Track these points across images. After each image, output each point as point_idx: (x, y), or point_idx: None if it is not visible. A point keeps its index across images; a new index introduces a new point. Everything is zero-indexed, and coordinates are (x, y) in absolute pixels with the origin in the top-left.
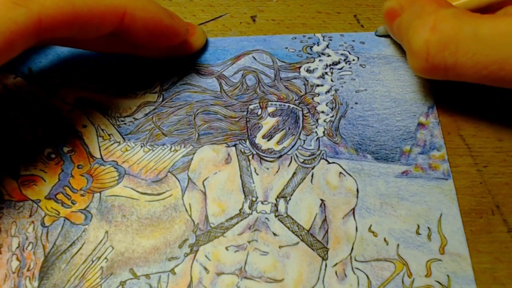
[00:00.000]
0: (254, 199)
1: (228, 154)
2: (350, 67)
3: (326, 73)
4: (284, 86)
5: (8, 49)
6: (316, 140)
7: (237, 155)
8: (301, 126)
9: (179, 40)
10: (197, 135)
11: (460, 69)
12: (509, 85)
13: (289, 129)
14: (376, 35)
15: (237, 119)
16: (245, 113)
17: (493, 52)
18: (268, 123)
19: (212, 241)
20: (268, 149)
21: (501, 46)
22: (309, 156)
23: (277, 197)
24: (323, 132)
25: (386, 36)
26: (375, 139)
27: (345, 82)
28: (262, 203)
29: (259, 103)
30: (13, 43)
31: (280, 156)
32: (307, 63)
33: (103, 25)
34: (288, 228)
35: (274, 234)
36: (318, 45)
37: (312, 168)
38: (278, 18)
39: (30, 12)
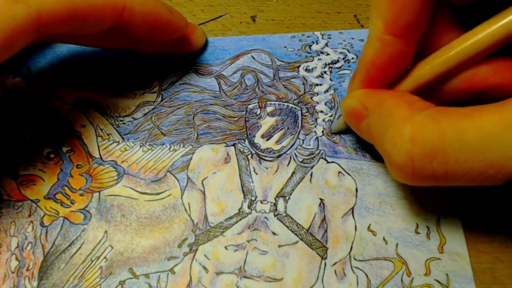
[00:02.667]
0: (253, 198)
1: (227, 154)
2: (349, 66)
3: (325, 72)
4: (283, 85)
5: (8, 46)
6: (315, 139)
7: (236, 155)
8: (300, 125)
9: (178, 34)
10: (196, 134)
11: (452, 178)
12: (504, 183)
13: (288, 128)
14: (332, 133)
15: (236, 119)
16: (244, 112)
17: (486, 157)
18: (267, 122)
19: (211, 240)
20: (267, 148)
21: (493, 150)
22: (308, 155)
23: (276, 196)
24: (322, 131)
25: (344, 132)
26: None
27: (344, 81)
28: (261, 202)
29: (258, 102)
30: (13, 40)
31: (279, 156)
32: (306, 62)
33: (102, 20)
34: (287, 228)
35: (273, 234)
36: (317, 43)
37: (311, 168)
38: (278, 18)
39: (30, 8)
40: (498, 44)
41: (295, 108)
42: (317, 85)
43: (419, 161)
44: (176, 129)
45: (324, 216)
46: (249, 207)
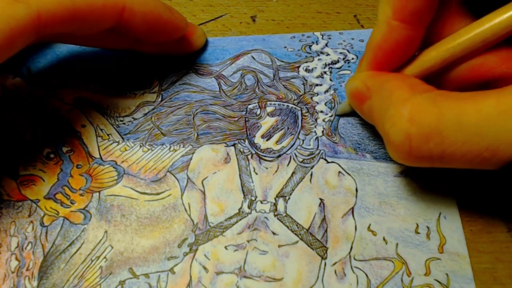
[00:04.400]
0: (253, 198)
1: (227, 154)
2: (349, 66)
3: (325, 72)
4: (283, 85)
5: (8, 46)
6: (315, 139)
7: (236, 155)
8: (300, 125)
9: (178, 34)
10: (196, 134)
11: (448, 159)
12: (500, 167)
13: (288, 128)
14: (337, 115)
15: (236, 119)
16: (244, 112)
17: (483, 140)
18: (267, 122)
19: (212, 240)
20: (267, 148)
21: (489, 133)
22: (308, 155)
23: (276, 196)
24: (322, 131)
25: (348, 115)
26: (374, 139)
27: (344, 82)
28: (261, 202)
29: (258, 102)
30: (13, 40)
31: (279, 156)
32: (306, 62)
33: (102, 20)
34: (287, 227)
35: (273, 233)
36: (317, 44)
37: (311, 168)
38: (278, 18)
39: (30, 8)
40: (506, 34)
41: (295, 108)
42: (317, 85)
43: (416, 141)
44: (176, 129)
45: (324, 216)
46: (249, 207)
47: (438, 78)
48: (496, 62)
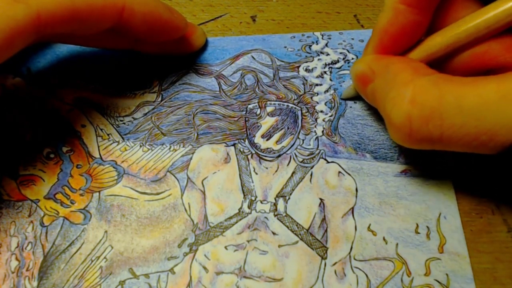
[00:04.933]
0: (253, 198)
1: (227, 154)
2: (349, 66)
3: (325, 72)
4: (283, 85)
5: (8, 46)
6: (315, 139)
7: (236, 155)
8: (300, 125)
9: (178, 34)
10: (196, 134)
11: (446, 141)
12: (497, 152)
13: (288, 128)
14: (341, 99)
15: (236, 119)
16: (244, 112)
17: (481, 124)
18: (267, 122)
19: (212, 240)
20: (267, 148)
21: (488, 117)
22: (308, 155)
23: (276, 196)
24: (322, 131)
25: (353, 98)
26: (374, 138)
27: (344, 81)
28: (261, 202)
29: (258, 102)
30: (13, 40)
31: (279, 156)
32: (306, 62)
33: (102, 20)
34: (287, 227)
35: (273, 233)
36: (317, 44)
37: (311, 168)
38: (278, 18)
39: (29, 8)
40: (511, 22)
41: (295, 108)
42: (317, 85)
43: (417, 123)
44: (176, 129)
45: (324, 216)
46: (249, 207)
47: (441, 64)
48: (500, 51)
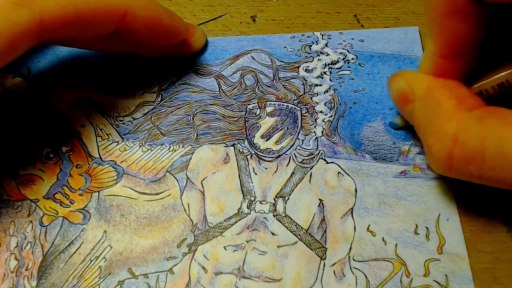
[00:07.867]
0: (252, 198)
1: (227, 154)
2: (349, 66)
3: (324, 72)
4: (283, 85)
5: (10, 50)
6: (315, 140)
7: (236, 155)
8: (299, 126)
9: (179, 39)
10: (195, 134)
11: (486, 180)
12: None
13: (287, 129)
14: (394, 129)
15: (235, 119)
16: (244, 113)
17: None
18: (267, 123)
19: (211, 240)
20: (267, 149)
21: None
22: (308, 156)
23: (276, 196)
24: (322, 132)
25: (405, 128)
26: (374, 139)
27: (343, 82)
28: (260, 202)
29: (257, 103)
30: (15, 44)
31: (279, 156)
32: (306, 62)
33: (104, 25)
34: (287, 228)
35: (273, 234)
36: (317, 44)
37: (311, 168)
38: (278, 18)
39: (32, 13)
40: None
41: (294, 108)
42: (316, 85)
43: (458, 161)
44: (176, 129)
45: (323, 217)
46: (248, 208)
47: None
48: None
